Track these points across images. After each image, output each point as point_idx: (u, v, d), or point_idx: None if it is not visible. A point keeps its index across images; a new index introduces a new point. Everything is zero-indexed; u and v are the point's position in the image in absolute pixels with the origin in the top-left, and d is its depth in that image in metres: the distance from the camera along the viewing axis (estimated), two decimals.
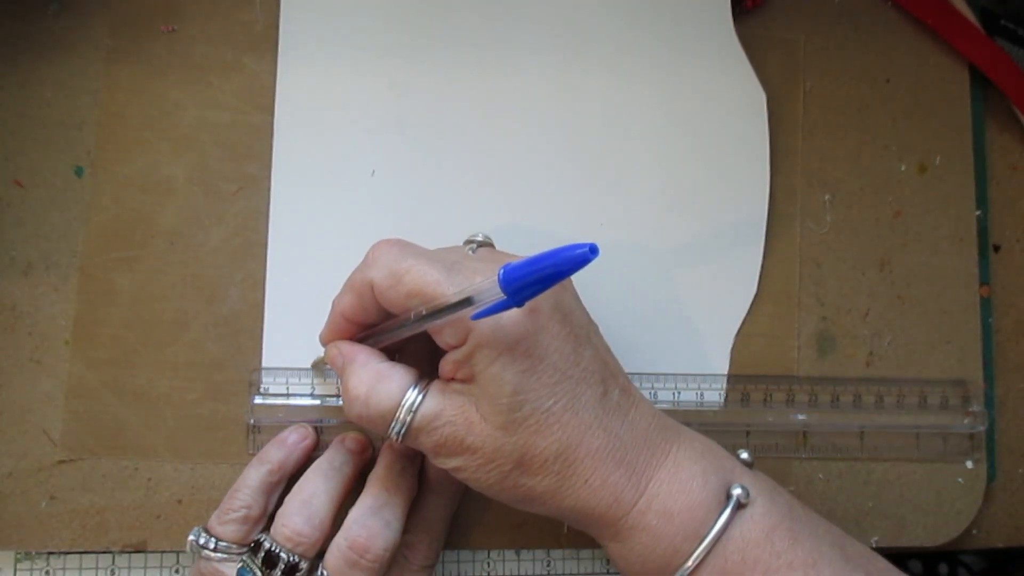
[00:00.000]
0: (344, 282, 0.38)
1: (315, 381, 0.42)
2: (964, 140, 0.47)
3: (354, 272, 0.37)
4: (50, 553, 0.41)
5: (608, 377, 0.36)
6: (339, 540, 0.37)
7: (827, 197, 0.46)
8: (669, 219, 0.44)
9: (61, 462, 0.41)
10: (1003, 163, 0.48)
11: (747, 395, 0.44)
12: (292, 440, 0.40)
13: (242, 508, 0.38)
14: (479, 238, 0.39)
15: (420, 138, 0.43)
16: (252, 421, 0.41)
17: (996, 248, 0.47)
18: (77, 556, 0.41)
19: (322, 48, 0.43)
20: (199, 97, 0.43)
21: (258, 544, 0.37)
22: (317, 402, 0.42)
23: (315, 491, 0.38)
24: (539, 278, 0.30)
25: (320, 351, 0.40)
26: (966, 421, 0.45)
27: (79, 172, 0.42)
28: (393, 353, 0.38)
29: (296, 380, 0.42)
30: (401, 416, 0.35)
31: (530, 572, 0.44)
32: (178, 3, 0.43)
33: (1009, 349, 0.47)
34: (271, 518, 0.38)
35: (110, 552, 0.41)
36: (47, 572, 0.41)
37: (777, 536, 0.34)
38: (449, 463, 0.35)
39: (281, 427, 0.41)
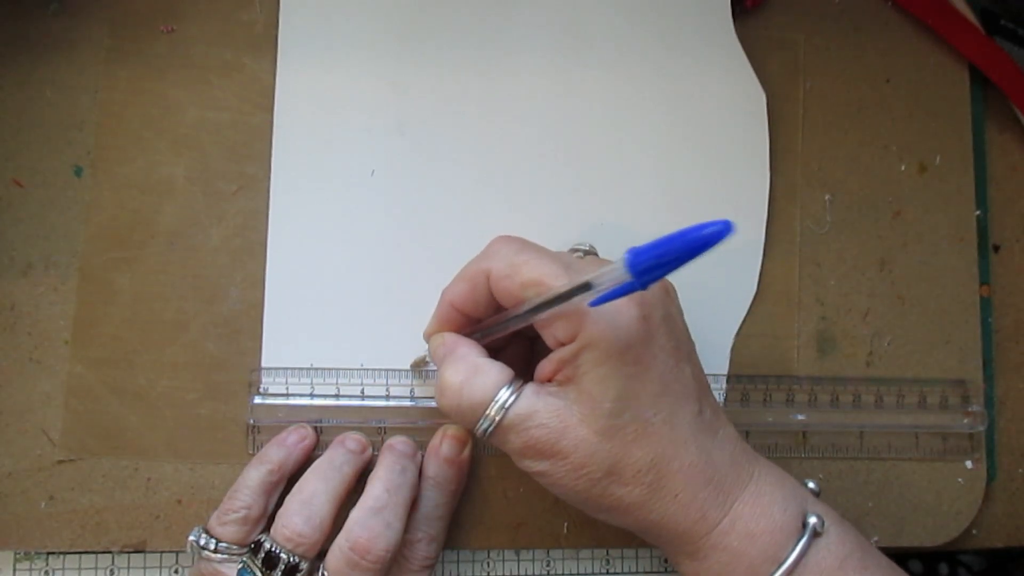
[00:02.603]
0: (456, 273, 0.38)
1: (315, 381, 0.42)
2: (964, 140, 0.47)
3: (469, 262, 0.38)
4: (49, 553, 0.41)
5: (703, 395, 0.36)
6: (340, 541, 0.37)
7: (827, 197, 0.46)
8: (669, 219, 0.44)
9: (61, 462, 0.41)
10: (1003, 163, 0.48)
11: (747, 395, 0.44)
12: (292, 440, 0.40)
13: (242, 508, 0.38)
14: (585, 247, 0.39)
15: (420, 138, 0.43)
16: (252, 421, 0.41)
17: (996, 248, 0.47)
18: (76, 556, 0.41)
19: (322, 48, 0.43)
20: (199, 97, 0.43)
21: (258, 545, 0.37)
22: (317, 402, 0.42)
23: (315, 491, 0.38)
24: (669, 258, 0.29)
25: (418, 351, 0.41)
26: (966, 421, 0.45)
27: (79, 172, 0.42)
28: (492, 355, 0.38)
29: (296, 380, 0.42)
30: (491, 413, 0.35)
31: (530, 572, 0.44)
32: (178, 3, 0.43)
33: (1009, 349, 0.47)
34: (271, 519, 0.38)
35: (110, 552, 0.41)
36: (46, 572, 0.41)
37: (849, 566, 0.35)
38: (535, 466, 0.35)
39: (281, 427, 0.41)
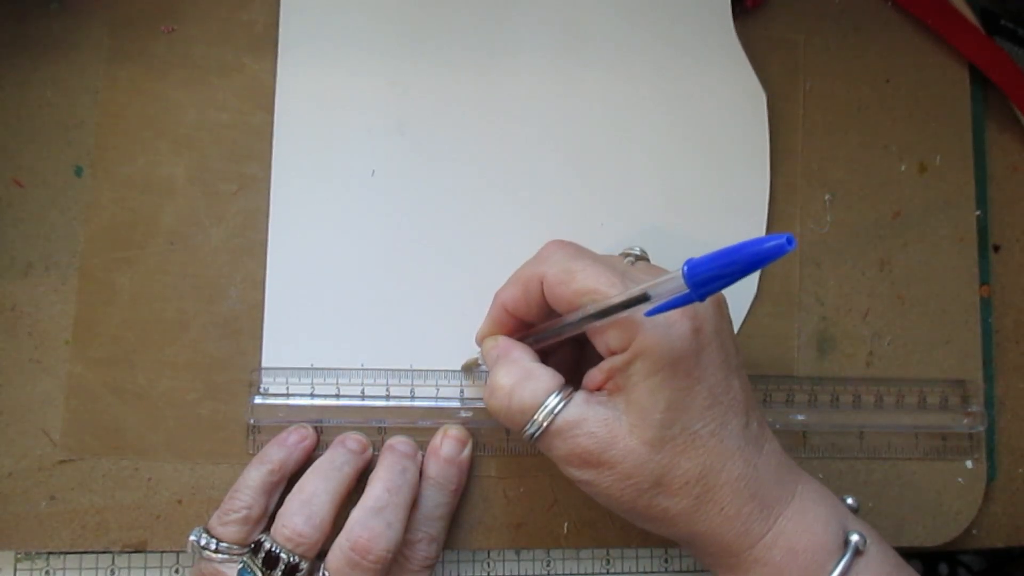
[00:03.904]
0: (510, 276, 0.39)
1: (315, 381, 0.42)
2: (964, 140, 0.47)
3: (523, 266, 0.38)
4: (50, 553, 0.41)
5: (750, 409, 0.36)
6: (341, 541, 0.37)
7: (827, 197, 0.46)
8: (669, 219, 0.44)
9: (61, 462, 0.41)
10: (1003, 163, 0.48)
11: None
12: (292, 440, 0.40)
13: (243, 509, 0.38)
14: (636, 251, 0.40)
15: (420, 138, 0.43)
16: (252, 421, 0.41)
17: (996, 248, 0.47)
18: (77, 556, 0.41)
19: (322, 48, 0.43)
20: (199, 97, 0.43)
21: (259, 544, 0.37)
22: (317, 402, 0.42)
23: (315, 491, 0.38)
24: (728, 271, 0.29)
25: (468, 354, 0.42)
26: (966, 421, 0.45)
27: (79, 172, 0.42)
28: (542, 359, 0.38)
29: (296, 380, 0.42)
30: (539, 418, 0.35)
31: (530, 572, 0.44)
32: (178, 3, 0.43)
33: (1009, 349, 0.47)
34: (272, 519, 0.38)
35: (110, 552, 0.41)
36: (47, 572, 0.41)
37: None
38: (580, 475, 0.35)
39: (281, 427, 0.41)
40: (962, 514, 0.45)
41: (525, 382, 0.36)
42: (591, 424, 0.35)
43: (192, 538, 0.38)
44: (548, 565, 0.44)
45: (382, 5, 0.44)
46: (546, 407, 0.35)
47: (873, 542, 0.36)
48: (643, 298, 0.32)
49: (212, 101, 0.43)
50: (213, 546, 0.38)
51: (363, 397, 0.42)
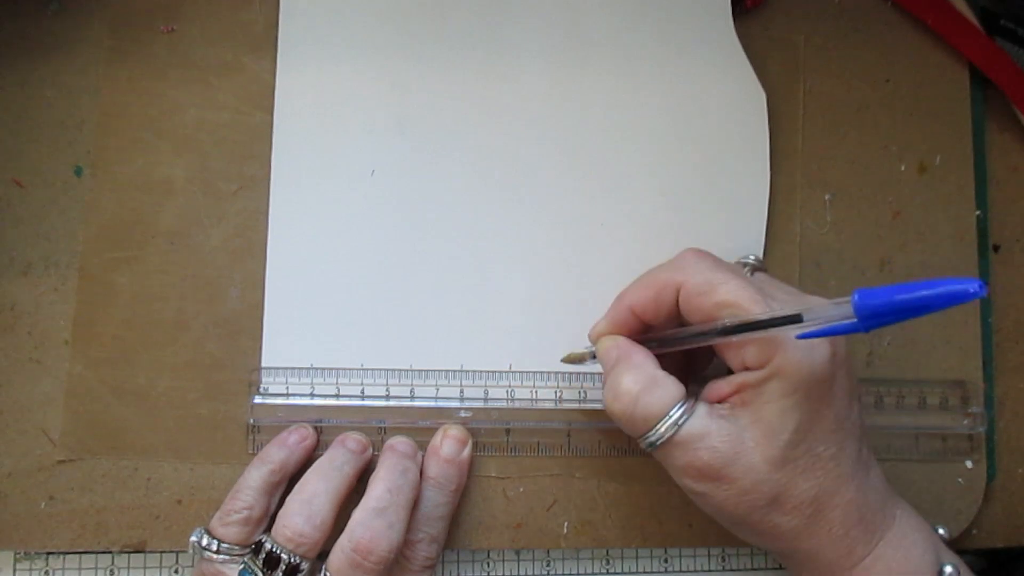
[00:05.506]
0: (638, 278, 0.38)
1: (315, 381, 0.42)
2: (964, 140, 0.47)
3: (656, 270, 0.38)
4: (49, 553, 0.41)
5: (862, 435, 0.36)
6: (343, 542, 0.37)
7: (827, 197, 0.46)
8: (669, 219, 0.44)
9: (61, 462, 0.41)
10: (1003, 163, 0.48)
11: None
12: (293, 440, 0.40)
13: (244, 509, 0.38)
14: (751, 260, 0.39)
15: (420, 138, 0.43)
16: (252, 421, 0.41)
17: (996, 248, 0.47)
18: (76, 556, 0.41)
19: (322, 48, 0.43)
20: (199, 97, 0.43)
21: (259, 545, 0.37)
22: (317, 402, 0.42)
23: (316, 491, 0.38)
24: (904, 307, 0.28)
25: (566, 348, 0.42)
26: (966, 422, 0.45)
27: (79, 172, 0.42)
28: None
29: (296, 380, 0.42)
30: (662, 428, 0.35)
31: (530, 572, 0.44)
32: (178, 3, 0.43)
33: (1009, 349, 0.46)
34: (272, 519, 0.38)
35: (109, 552, 0.41)
36: (46, 572, 0.41)
37: None
38: (696, 486, 0.35)
39: (281, 427, 0.41)
40: (962, 514, 0.45)
41: (651, 389, 0.35)
42: (714, 438, 0.34)
43: (193, 539, 0.38)
44: (548, 565, 0.44)
45: (382, 5, 0.44)
46: (670, 417, 0.35)
47: (964, 572, 0.36)
48: (796, 319, 0.32)
49: (212, 101, 0.43)
50: (214, 547, 0.38)
51: (363, 397, 0.42)
